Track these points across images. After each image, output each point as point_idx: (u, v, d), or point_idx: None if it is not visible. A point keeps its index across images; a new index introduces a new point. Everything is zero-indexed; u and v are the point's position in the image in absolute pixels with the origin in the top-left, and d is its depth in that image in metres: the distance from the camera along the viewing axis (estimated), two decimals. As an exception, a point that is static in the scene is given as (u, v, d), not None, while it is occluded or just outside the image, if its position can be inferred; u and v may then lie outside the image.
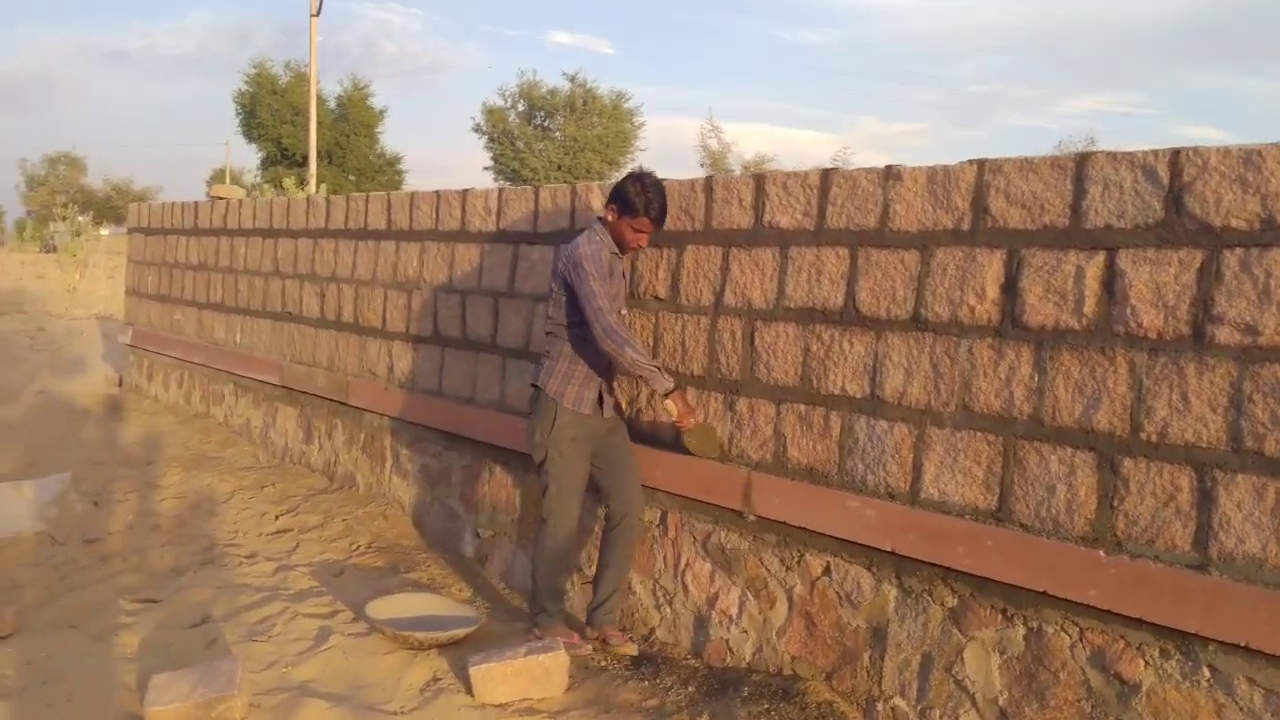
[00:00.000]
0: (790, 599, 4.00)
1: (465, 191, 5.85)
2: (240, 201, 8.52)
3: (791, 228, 4.02)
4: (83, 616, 4.90)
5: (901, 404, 3.63)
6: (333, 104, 41.89)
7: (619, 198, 4.16)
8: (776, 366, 4.06)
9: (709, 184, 4.37)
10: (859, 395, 3.76)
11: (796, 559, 3.98)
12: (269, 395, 7.94)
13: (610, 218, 4.20)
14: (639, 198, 4.11)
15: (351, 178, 41.02)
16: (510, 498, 5.42)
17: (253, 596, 5.14)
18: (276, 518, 6.49)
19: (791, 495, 3.95)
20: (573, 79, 40.21)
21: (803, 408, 3.96)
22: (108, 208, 63.58)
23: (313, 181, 30.68)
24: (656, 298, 4.58)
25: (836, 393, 3.84)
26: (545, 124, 40.75)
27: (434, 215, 6.07)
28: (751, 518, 4.11)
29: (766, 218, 4.12)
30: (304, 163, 39.32)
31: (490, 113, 40.72)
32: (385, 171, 43.28)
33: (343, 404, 6.88)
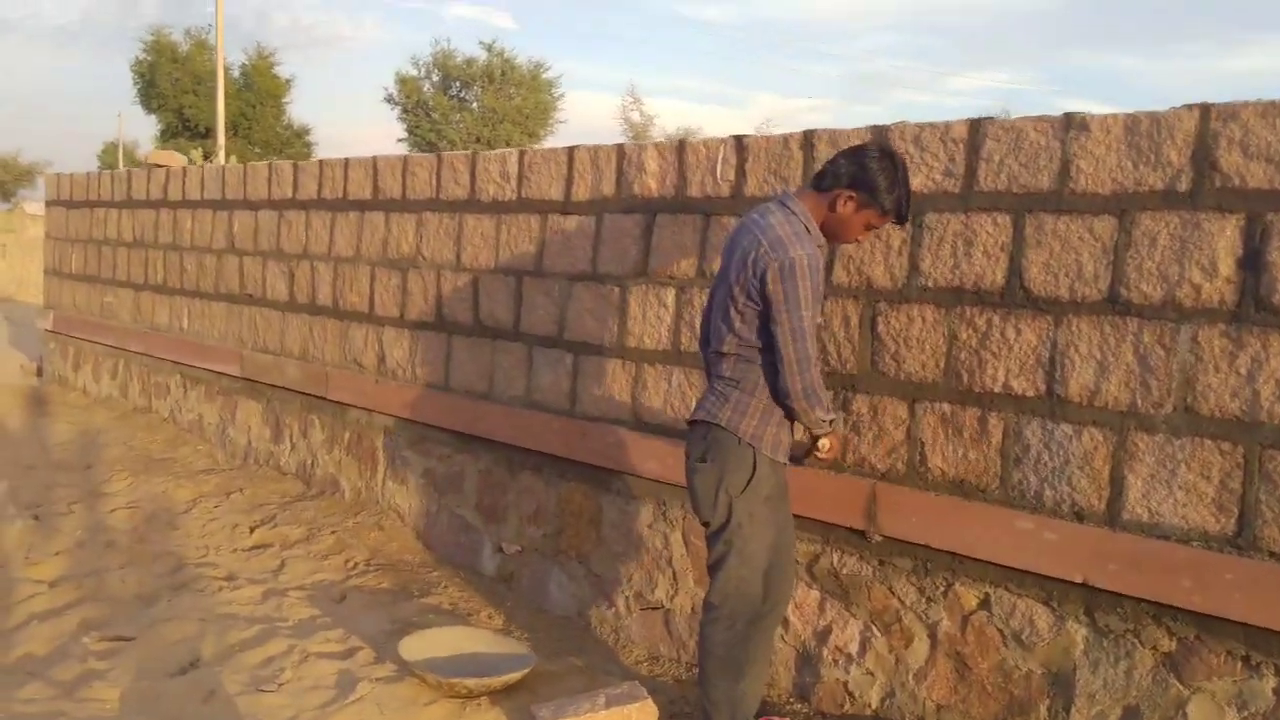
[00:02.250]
0: (933, 636, 3.35)
1: (475, 154, 5.07)
2: (184, 170, 7.58)
3: (928, 190, 3.36)
4: (43, 662, 4.08)
5: (1093, 404, 2.99)
6: (236, 73, 40.01)
7: (864, 183, 2.93)
8: (909, 358, 3.40)
9: (808, 140, 3.69)
10: (1030, 393, 3.12)
11: (941, 589, 3.33)
12: (226, 388, 7.06)
13: (843, 206, 2.98)
14: (892, 192, 2.94)
15: (258, 150, 39.26)
16: (542, 507, 4.69)
17: (246, 630, 4.35)
18: (251, 530, 5.66)
19: (934, 512, 3.30)
20: (489, 48, 38.94)
21: (947, 408, 3.31)
22: (-8, 183, 60.52)
23: (220, 153, 29.23)
24: (738, 276, 3.89)
25: (997, 390, 3.19)
26: (461, 95, 39.42)
27: (433, 182, 5.28)
28: (878, 538, 3.46)
29: (893, 180, 3.45)
30: (207, 134, 37.56)
31: (404, 82, 39.21)
32: (293, 144, 41.47)
33: (320, 399, 6.06)
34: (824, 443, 3.15)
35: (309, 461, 6.23)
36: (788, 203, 3.06)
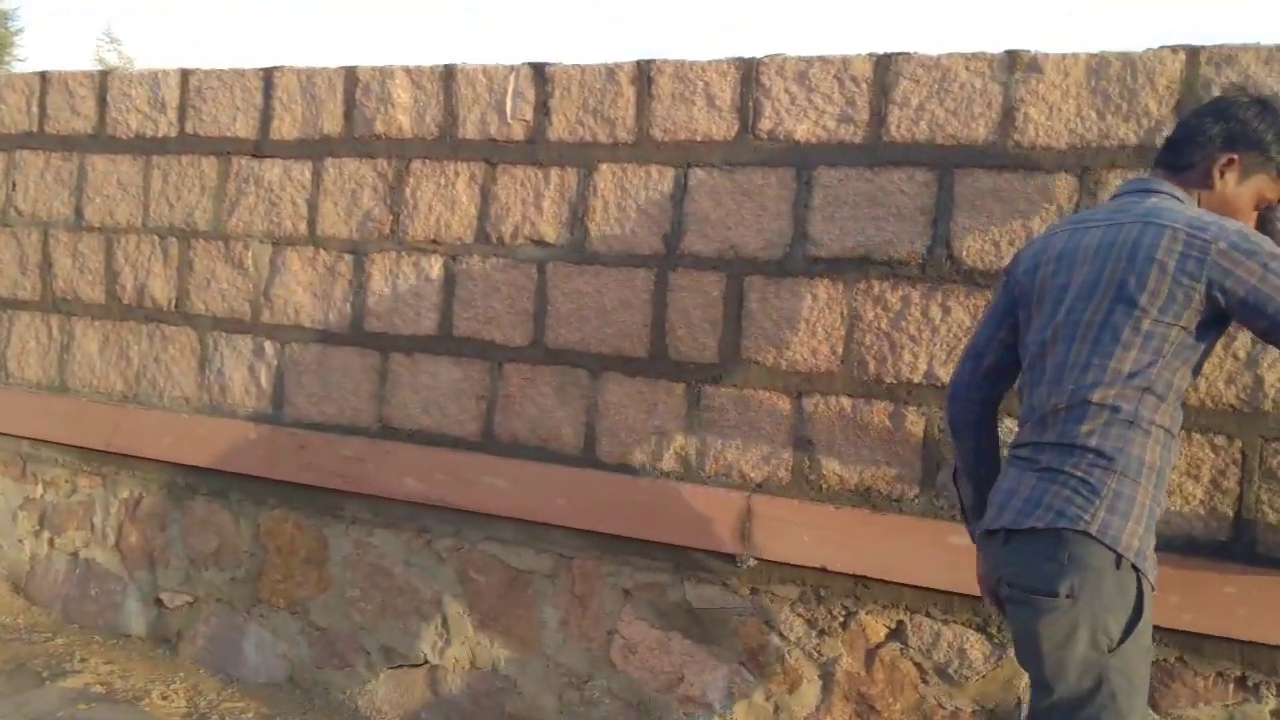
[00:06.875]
0: (828, 677, 2.78)
1: (106, 74, 3.78)
2: None
3: (817, 140, 2.77)
4: None
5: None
6: None
7: (1246, 138, 2.03)
8: (795, 342, 2.79)
9: (643, 72, 2.95)
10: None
11: (840, 620, 2.76)
12: None
13: (1221, 178, 2.04)
14: None
15: None
16: (228, 544, 3.56)
17: None
18: None
19: (834, 529, 2.73)
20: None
21: (848, 402, 2.74)
22: None
23: None
24: (536, 241, 3.08)
25: (917, 380, 2.68)
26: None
27: (30, 110, 3.90)
28: (751, 563, 2.82)
29: (764, 125, 2.82)
30: None
31: None
32: None
33: None
34: None
35: None
36: (1155, 186, 2.08)
